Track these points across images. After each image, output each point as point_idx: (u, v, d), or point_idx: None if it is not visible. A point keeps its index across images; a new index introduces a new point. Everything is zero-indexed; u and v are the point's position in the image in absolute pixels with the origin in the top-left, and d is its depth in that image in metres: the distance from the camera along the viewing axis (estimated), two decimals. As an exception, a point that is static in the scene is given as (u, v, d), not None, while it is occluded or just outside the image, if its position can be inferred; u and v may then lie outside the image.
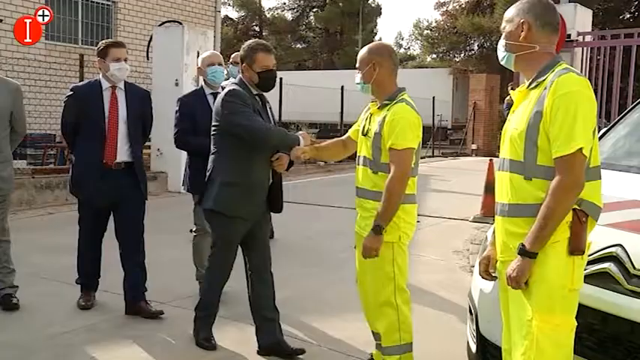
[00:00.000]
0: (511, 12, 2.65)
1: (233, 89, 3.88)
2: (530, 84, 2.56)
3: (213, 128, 3.96)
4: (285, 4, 44.71)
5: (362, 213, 3.54)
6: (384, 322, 3.50)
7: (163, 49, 11.53)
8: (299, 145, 3.85)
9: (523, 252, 2.43)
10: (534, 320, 2.44)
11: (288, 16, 44.81)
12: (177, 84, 11.19)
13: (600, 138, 3.92)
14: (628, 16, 31.06)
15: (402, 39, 51.19)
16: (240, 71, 3.99)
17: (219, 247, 4.06)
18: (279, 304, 4.13)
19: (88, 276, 4.89)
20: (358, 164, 3.59)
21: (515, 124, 2.56)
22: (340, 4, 41.57)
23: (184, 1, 17.37)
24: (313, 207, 10.13)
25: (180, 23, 12.27)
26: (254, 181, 3.92)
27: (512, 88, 4.98)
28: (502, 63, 2.70)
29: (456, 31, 31.79)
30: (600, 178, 2.53)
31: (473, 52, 32.33)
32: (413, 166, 3.44)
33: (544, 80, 2.48)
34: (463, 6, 32.74)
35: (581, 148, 2.35)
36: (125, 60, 4.66)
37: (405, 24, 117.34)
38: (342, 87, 18.33)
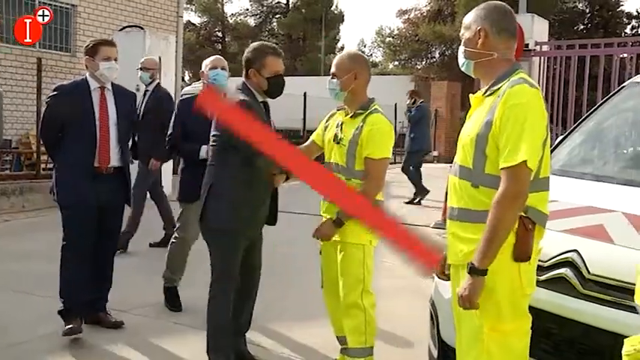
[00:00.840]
0: (469, 19, 2.68)
1: (245, 101, 3.54)
2: (486, 91, 2.59)
3: (214, 139, 3.69)
4: (247, 10, 44.57)
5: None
6: (351, 324, 3.56)
7: (124, 54, 11.25)
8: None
9: (473, 270, 2.40)
10: (484, 328, 2.47)
11: (251, 22, 44.70)
12: (137, 89, 11.05)
13: (556, 146, 4.03)
14: (582, 27, 31.91)
15: (365, 46, 51.44)
16: (246, 76, 3.69)
17: (224, 270, 3.71)
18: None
19: (76, 298, 4.33)
20: (329, 170, 3.63)
21: (469, 130, 2.59)
22: (303, 10, 41.66)
23: (146, 5, 17.20)
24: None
25: (142, 28, 12.15)
26: (260, 197, 3.74)
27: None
28: (462, 69, 2.74)
29: (417, 39, 32.14)
30: (548, 189, 2.56)
31: (434, 59, 32.71)
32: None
33: (498, 89, 2.51)
34: (425, 14, 33.12)
35: (525, 161, 2.36)
36: (115, 60, 4.44)
37: (367, 31, 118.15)
38: (305, 93, 18.37)
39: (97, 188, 4.31)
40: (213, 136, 3.69)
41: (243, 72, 3.68)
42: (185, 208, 4.90)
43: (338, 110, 3.78)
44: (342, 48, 49.58)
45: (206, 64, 5.01)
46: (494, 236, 2.37)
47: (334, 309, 3.72)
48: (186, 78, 31.64)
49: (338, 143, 3.59)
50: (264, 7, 44.50)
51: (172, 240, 5.18)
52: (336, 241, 3.59)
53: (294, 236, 8.02)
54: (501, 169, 2.41)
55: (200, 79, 5.12)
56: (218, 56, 5.21)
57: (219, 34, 44.08)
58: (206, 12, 43.38)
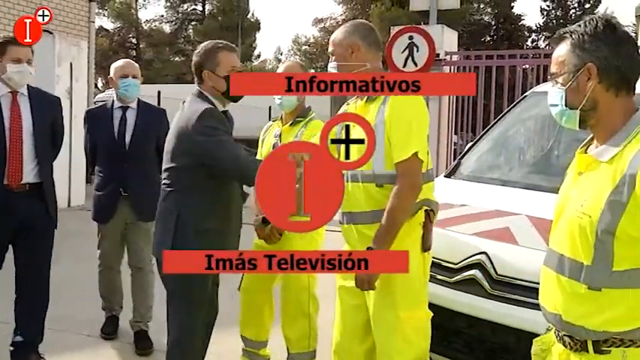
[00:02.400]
0: (339, 36, 2.88)
1: (209, 109, 2.95)
2: (367, 99, 2.79)
3: (170, 157, 3.02)
4: (162, 16, 43.87)
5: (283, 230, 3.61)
6: (296, 330, 3.64)
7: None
8: None
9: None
10: (402, 317, 2.64)
11: (166, 28, 43.98)
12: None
13: (466, 153, 4.21)
14: (488, 38, 33.35)
15: (281, 54, 51.59)
16: (199, 82, 3.11)
17: (190, 313, 3.08)
18: (163, 319, 4.03)
19: None
20: None
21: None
22: (219, 18, 41.40)
23: (55, 9, 16.61)
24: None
25: (51, 33, 11.73)
26: (233, 227, 3.13)
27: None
28: None
29: (333, 48, 32.62)
30: (433, 180, 2.83)
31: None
32: None
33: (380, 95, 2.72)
34: (340, 23, 33.58)
35: (416, 152, 2.62)
36: (29, 62, 3.79)
37: (284, 39, 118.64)
38: (222, 101, 18.22)
39: (9, 210, 3.70)
40: (170, 153, 3.03)
41: (196, 79, 3.12)
42: (100, 230, 4.44)
43: (273, 121, 3.86)
44: (259, 56, 49.55)
45: (115, 69, 4.38)
46: (393, 223, 2.60)
47: (250, 311, 3.77)
48: (100, 85, 30.68)
49: None
50: (180, 14, 43.93)
51: (98, 266, 4.55)
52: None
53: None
54: (396, 163, 2.64)
55: None
56: (128, 61, 4.57)
57: (134, 41, 43.10)
58: (119, 17, 42.34)
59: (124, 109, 4.36)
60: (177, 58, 43.58)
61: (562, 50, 1.86)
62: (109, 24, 42.11)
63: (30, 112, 3.81)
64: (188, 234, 2.95)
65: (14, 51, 3.74)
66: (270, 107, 17.71)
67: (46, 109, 3.94)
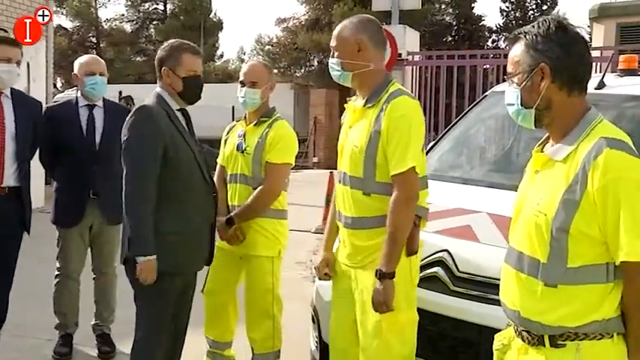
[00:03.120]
0: (345, 31, 2.76)
1: (139, 107, 3.05)
2: (366, 102, 2.73)
3: (128, 152, 3.09)
4: (123, 15, 43.15)
5: (251, 233, 3.61)
6: (261, 331, 3.64)
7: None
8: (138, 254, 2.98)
9: (383, 276, 2.58)
10: (383, 322, 2.64)
11: (127, 27, 43.32)
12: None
13: (428, 151, 4.25)
14: (450, 38, 33.74)
15: (244, 54, 51.28)
16: (159, 79, 3.14)
17: (152, 325, 3.10)
18: (126, 322, 3.97)
19: None
20: (233, 182, 3.65)
21: (356, 141, 2.74)
22: (181, 17, 40.94)
23: (10, 7, 16.22)
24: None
25: (6, 31, 11.46)
26: (196, 225, 3.10)
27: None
28: (338, 81, 2.84)
29: (296, 47, 32.56)
30: (427, 187, 2.81)
31: (313, 67, 33.25)
32: (287, 180, 3.68)
33: (379, 100, 2.69)
34: (303, 23, 33.61)
35: (414, 167, 2.60)
36: (18, 63, 3.78)
37: (246, 39, 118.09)
38: (184, 101, 18.04)
39: None
40: (127, 149, 3.05)
41: (157, 74, 3.15)
42: (63, 235, 4.24)
43: (237, 121, 3.83)
44: (222, 56, 49.17)
45: (80, 64, 4.19)
46: (396, 241, 2.59)
47: (214, 312, 3.75)
48: (59, 85, 30.10)
49: (243, 152, 3.62)
50: (141, 13, 43.32)
51: (55, 277, 4.33)
52: (239, 253, 3.65)
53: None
54: (392, 175, 2.62)
55: (74, 86, 4.67)
56: (94, 57, 4.41)
57: (94, 40, 42.35)
58: (78, 16, 41.53)
59: (91, 107, 4.19)
60: (138, 58, 42.97)
61: (517, 50, 1.92)
62: (67, 23, 41.30)
63: (13, 115, 3.78)
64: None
65: (4, 50, 3.71)
66: (233, 107, 17.63)
67: (29, 112, 3.90)
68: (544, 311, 1.85)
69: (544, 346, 1.86)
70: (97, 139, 4.13)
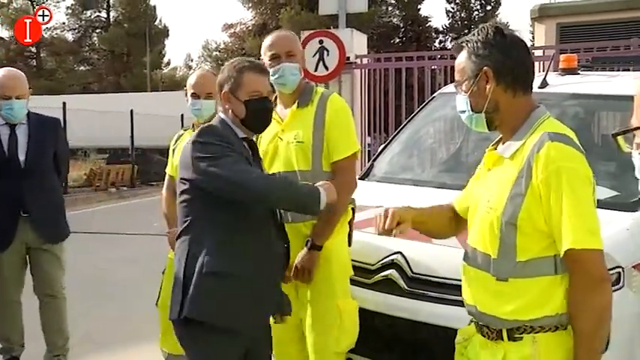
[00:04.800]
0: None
1: (207, 125, 2.61)
2: (298, 104, 3.03)
3: (181, 189, 2.56)
4: (64, 24, 42.31)
5: None
6: None
7: None
8: (320, 201, 2.47)
9: (313, 247, 2.87)
10: (340, 305, 2.85)
11: (69, 36, 42.45)
12: None
13: (379, 154, 4.28)
14: (397, 40, 34.16)
15: (192, 60, 50.88)
16: (221, 101, 2.68)
17: None
18: (77, 341, 3.87)
19: None
20: None
21: (301, 137, 2.96)
22: (125, 25, 40.34)
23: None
24: (107, 236, 9.68)
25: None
26: (257, 269, 2.50)
27: None
28: (293, 85, 3.06)
29: (244, 53, 32.46)
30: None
31: (262, 73, 33.26)
32: None
33: (312, 100, 3.03)
34: (250, 28, 33.58)
35: (355, 152, 2.97)
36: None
37: (194, 45, 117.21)
38: (132, 110, 17.77)
39: None
40: (182, 180, 2.54)
41: (219, 99, 2.71)
42: None
43: (185, 130, 3.78)
44: (169, 63, 48.74)
45: None
46: (333, 219, 2.87)
47: (169, 325, 3.67)
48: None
49: None
50: (83, 22, 42.53)
51: None
52: None
53: (133, 257, 7.76)
54: (334, 162, 2.94)
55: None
56: (11, 77, 3.91)
57: (33, 50, 41.33)
58: (15, 25, 40.48)
59: (12, 126, 3.92)
60: (82, 67, 42.20)
61: (461, 58, 1.99)
62: (4, 32, 40.22)
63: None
64: (197, 281, 2.41)
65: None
66: (182, 115, 17.46)
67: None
68: (498, 305, 1.91)
69: (502, 340, 1.92)
70: (22, 157, 3.90)
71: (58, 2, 43.05)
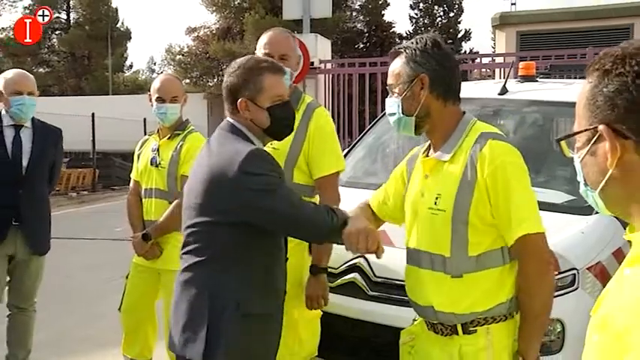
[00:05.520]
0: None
1: (256, 151, 2.21)
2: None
3: (196, 213, 2.25)
4: (23, 24, 41.48)
5: (168, 248, 3.54)
6: None
7: None
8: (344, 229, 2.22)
9: (318, 270, 2.83)
10: (296, 316, 2.81)
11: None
12: None
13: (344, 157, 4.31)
14: (362, 45, 34.36)
15: (155, 64, 50.42)
16: (232, 112, 2.33)
17: None
18: (38, 349, 3.81)
19: None
20: (148, 196, 3.59)
21: (277, 144, 2.86)
22: (86, 27, 39.69)
23: None
24: (67, 241, 9.51)
25: None
26: (281, 302, 2.36)
27: None
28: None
29: (208, 57, 32.29)
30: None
31: (226, 77, 33.09)
32: None
33: (298, 109, 2.89)
34: (214, 32, 33.36)
35: (339, 172, 2.94)
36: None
37: (156, 49, 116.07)
38: (93, 114, 17.51)
39: None
40: (202, 210, 2.24)
41: (228, 106, 2.35)
42: None
43: (150, 135, 3.77)
44: (131, 66, 48.14)
45: (6, 82, 3.81)
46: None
47: (133, 330, 3.66)
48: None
49: (157, 167, 3.56)
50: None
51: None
52: (156, 269, 3.57)
53: (95, 262, 7.66)
54: (319, 178, 2.90)
55: None
56: (23, 74, 3.94)
57: (-10, 51, 40.37)
58: (-28, 26, 39.57)
59: (17, 127, 3.83)
60: (41, 70, 41.32)
61: (397, 64, 2.10)
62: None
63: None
64: (228, 321, 2.15)
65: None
66: (145, 119, 17.29)
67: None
68: (455, 302, 2.01)
69: (457, 334, 2.01)
70: (24, 162, 3.79)
71: (14, 2, 42.25)
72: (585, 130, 1.11)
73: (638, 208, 1.08)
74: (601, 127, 1.07)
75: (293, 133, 2.83)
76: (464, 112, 2.12)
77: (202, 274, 2.23)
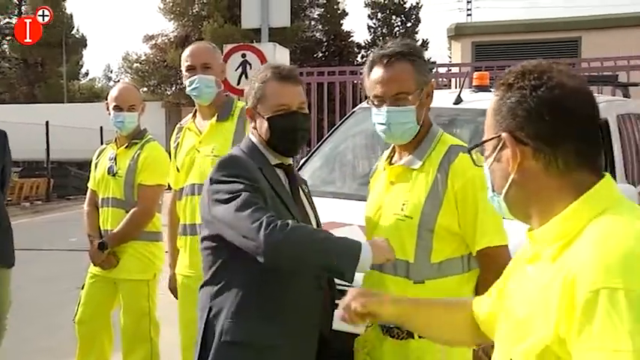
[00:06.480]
0: (217, 53, 3.12)
1: (229, 157, 2.14)
2: (218, 118, 3.08)
3: (203, 233, 2.13)
4: (-28, 30, 40.43)
5: (125, 257, 3.52)
6: (138, 356, 3.54)
7: None
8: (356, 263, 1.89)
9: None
10: None
11: (-23, 43, 40.57)
12: None
13: (300, 167, 4.35)
14: (320, 54, 34.55)
15: (111, 72, 49.69)
16: (249, 124, 2.25)
17: None
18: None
19: None
20: (105, 206, 3.56)
21: (216, 151, 2.99)
22: (40, 33, 38.98)
23: None
24: (22, 252, 9.29)
25: None
26: (295, 338, 2.04)
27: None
28: (209, 97, 3.12)
29: (166, 65, 31.98)
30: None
31: (184, 85, 32.84)
32: (161, 202, 3.62)
33: (232, 114, 3.07)
34: (172, 40, 33.07)
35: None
36: None
37: (113, 56, 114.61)
38: (47, 122, 17.18)
39: None
40: (206, 223, 2.10)
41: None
42: None
43: (107, 144, 3.76)
44: (87, 74, 47.38)
45: None
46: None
47: (88, 341, 3.61)
48: None
49: (114, 176, 3.54)
50: (-7, 29, 40.73)
51: None
52: (113, 278, 3.54)
53: (50, 273, 7.52)
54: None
55: None
56: None
57: (-62, 57, 39.26)
58: None
59: None
60: (-8, 76, 40.37)
61: (407, 70, 2.07)
62: None
63: None
64: (216, 346, 2.00)
65: None
66: (101, 128, 17.03)
67: None
68: None
69: (413, 338, 2.04)
70: None
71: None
72: (492, 139, 1.24)
73: (536, 210, 1.21)
74: (504, 134, 1.20)
75: (232, 137, 2.98)
76: (432, 123, 2.15)
77: (205, 294, 2.09)
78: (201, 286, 2.12)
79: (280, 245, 1.84)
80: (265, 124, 2.11)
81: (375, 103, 2.08)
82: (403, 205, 2.05)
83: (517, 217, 1.27)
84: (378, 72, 2.06)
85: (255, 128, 2.16)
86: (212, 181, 2.03)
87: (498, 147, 1.22)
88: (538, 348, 1.10)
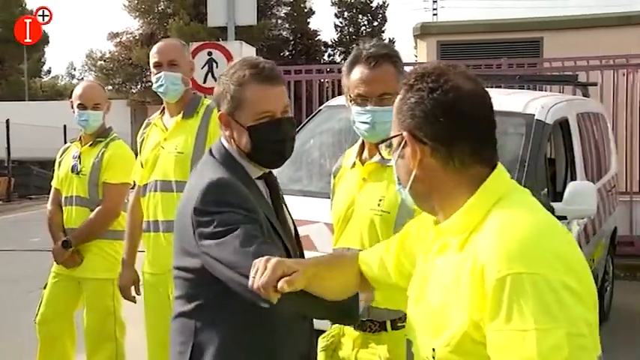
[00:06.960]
0: (184, 50, 3.16)
1: (217, 181, 1.76)
2: (184, 115, 3.10)
3: (181, 263, 1.83)
4: None
5: (89, 256, 3.51)
6: (103, 356, 3.51)
7: None
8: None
9: None
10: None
11: None
12: None
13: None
14: (287, 53, 34.52)
15: (75, 69, 48.90)
16: (222, 131, 1.91)
17: None
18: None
19: None
20: (69, 204, 3.54)
21: (181, 148, 3.03)
22: None
23: None
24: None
25: None
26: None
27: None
28: (174, 95, 3.13)
29: (131, 63, 31.58)
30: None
31: (150, 83, 32.38)
32: (126, 201, 3.58)
33: (197, 112, 3.10)
34: (137, 37, 32.67)
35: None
36: None
37: (77, 54, 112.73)
38: (8, 120, 16.84)
39: None
40: (175, 252, 1.86)
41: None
42: None
43: (72, 142, 3.73)
44: (50, 71, 46.50)
45: None
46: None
47: (50, 341, 3.57)
48: None
49: (78, 174, 3.51)
50: (-48, 25, 39.71)
51: None
52: (77, 277, 3.53)
53: (10, 275, 7.40)
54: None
55: None
56: None
57: None
58: None
59: None
60: (-50, 74, 39.32)
61: (390, 70, 2.10)
62: None
63: None
64: None
65: None
66: (65, 126, 16.75)
67: None
68: (389, 298, 2.02)
69: (385, 330, 2.07)
70: None
71: None
72: (395, 136, 1.31)
73: (439, 203, 1.29)
74: (404, 133, 1.27)
75: (194, 136, 2.99)
76: None
77: (186, 326, 1.82)
78: (178, 316, 1.85)
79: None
80: (245, 134, 1.81)
81: (359, 102, 2.11)
82: (380, 200, 2.08)
83: (422, 208, 1.35)
84: (362, 72, 2.09)
85: (232, 137, 1.85)
86: (199, 211, 1.72)
87: (402, 144, 1.29)
88: (458, 334, 1.18)
